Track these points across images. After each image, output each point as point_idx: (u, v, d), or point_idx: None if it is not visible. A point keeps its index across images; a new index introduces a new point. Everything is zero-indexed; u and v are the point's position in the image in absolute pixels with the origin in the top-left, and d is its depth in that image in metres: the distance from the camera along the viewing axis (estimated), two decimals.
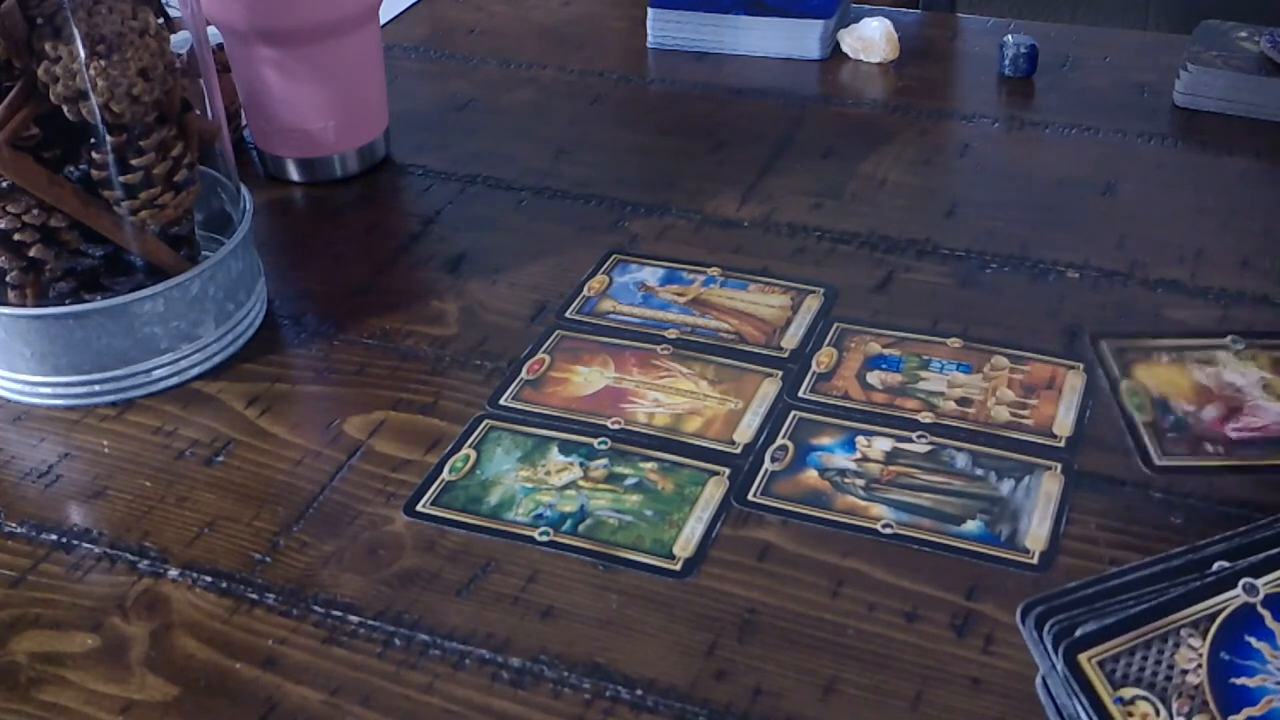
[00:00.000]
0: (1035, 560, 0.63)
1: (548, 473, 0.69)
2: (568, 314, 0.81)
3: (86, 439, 0.73)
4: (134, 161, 0.73)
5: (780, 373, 0.75)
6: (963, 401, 0.72)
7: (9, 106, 0.70)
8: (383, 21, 1.08)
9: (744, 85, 1.09)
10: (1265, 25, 1.05)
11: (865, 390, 0.74)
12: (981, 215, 0.90)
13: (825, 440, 0.70)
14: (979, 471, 0.68)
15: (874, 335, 0.78)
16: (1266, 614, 0.53)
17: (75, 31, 0.69)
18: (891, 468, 0.68)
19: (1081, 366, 0.74)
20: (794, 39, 1.12)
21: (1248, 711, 0.51)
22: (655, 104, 1.07)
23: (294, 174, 0.97)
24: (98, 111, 0.70)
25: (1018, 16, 1.48)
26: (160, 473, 0.71)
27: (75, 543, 0.67)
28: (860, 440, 0.70)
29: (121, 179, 0.73)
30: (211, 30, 0.92)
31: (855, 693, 0.57)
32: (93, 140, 0.72)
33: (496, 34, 1.21)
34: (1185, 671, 0.52)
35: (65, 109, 0.70)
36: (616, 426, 0.72)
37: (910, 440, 0.70)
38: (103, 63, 0.69)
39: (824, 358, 0.76)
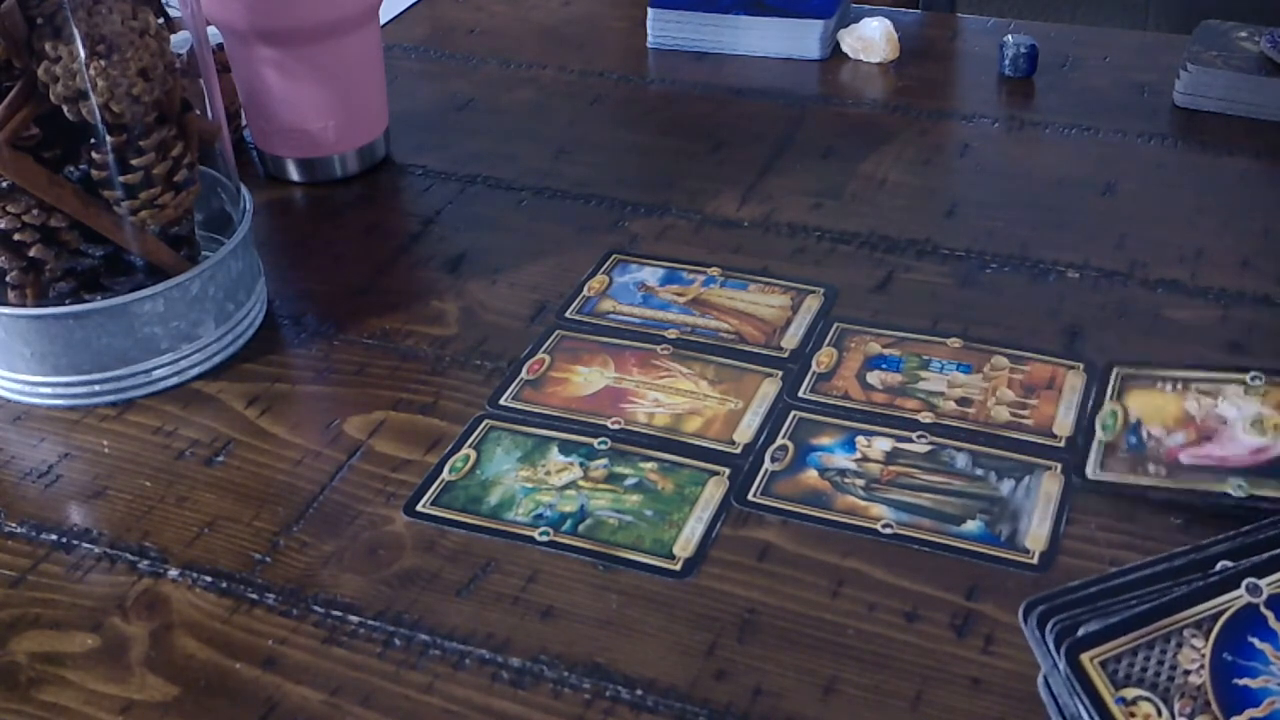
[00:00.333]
0: (1035, 560, 0.63)
1: (548, 473, 0.69)
2: (568, 314, 0.81)
3: (86, 439, 0.73)
4: (134, 161, 0.73)
5: (780, 373, 0.75)
6: (963, 401, 0.72)
7: (9, 106, 0.70)
8: (383, 21, 1.08)
9: (744, 85, 1.09)
10: (1265, 25, 1.05)
11: (865, 390, 0.74)
12: (981, 215, 0.90)
13: (825, 440, 0.70)
14: (979, 471, 0.68)
15: (874, 335, 0.78)
16: (1270, 615, 0.53)
17: (75, 31, 0.69)
18: (891, 468, 0.68)
19: (1081, 366, 0.74)
20: (794, 39, 1.12)
21: (1250, 713, 0.51)
22: (655, 104, 1.07)
23: (294, 174, 0.97)
24: (98, 111, 0.70)
25: (1018, 16, 1.47)
26: (160, 473, 0.71)
27: (75, 543, 0.67)
28: (860, 440, 0.70)
29: (121, 179, 0.73)
30: (211, 30, 0.92)
31: (855, 693, 0.57)
32: (93, 140, 0.72)
33: (496, 34, 1.21)
34: (1188, 672, 0.52)
35: (65, 109, 0.70)
36: (616, 426, 0.72)
37: (910, 440, 0.70)
38: (103, 63, 0.69)
39: (824, 358, 0.76)
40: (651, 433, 0.71)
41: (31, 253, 0.73)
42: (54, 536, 0.67)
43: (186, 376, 0.77)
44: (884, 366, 0.75)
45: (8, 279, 0.74)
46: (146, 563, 0.65)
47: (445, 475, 0.69)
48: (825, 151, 0.99)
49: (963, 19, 1.21)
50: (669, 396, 0.74)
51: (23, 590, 0.64)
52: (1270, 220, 0.88)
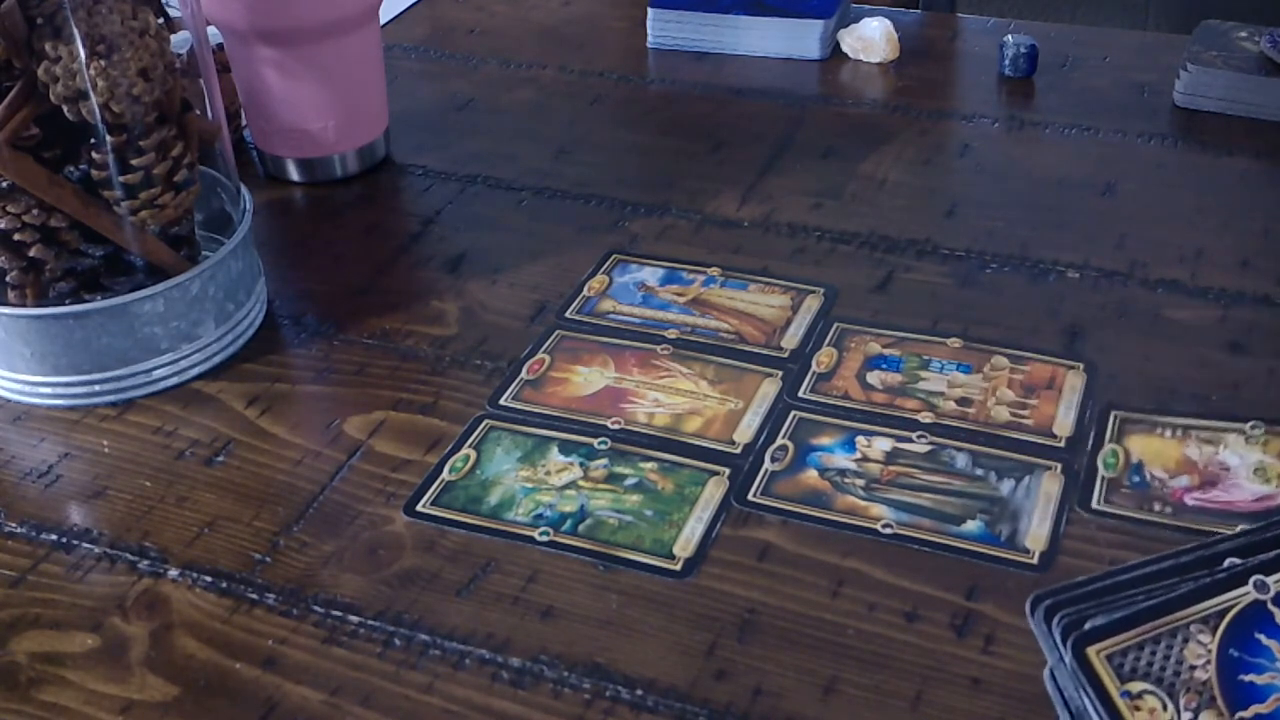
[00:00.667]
0: (1035, 560, 0.63)
1: (548, 473, 0.69)
2: (568, 314, 0.81)
3: (86, 439, 0.73)
4: (134, 161, 0.73)
5: (780, 373, 0.75)
6: (963, 401, 0.72)
7: (9, 106, 0.70)
8: (383, 21, 1.08)
9: (744, 85, 1.09)
10: (1265, 25, 1.05)
11: (865, 390, 0.74)
12: (981, 215, 0.90)
13: (825, 440, 0.70)
14: (979, 471, 0.68)
15: (874, 335, 0.78)
16: (1277, 611, 0.53)
17: (75, 31, 0.69)
18: (891, 468, 0.68)
19: (1081, 366, 0.74)
20: (794, 39, 1.12)
21: (1256, 708, 0.51)
22: (655, 104, 1.07)
23: (294, 174, 0.97)
24: (98, 111, 0.70)
25: (1018, 16, 1.48)
26: (160, 473, 0.71)
27: (75, 543, 0.67)
28: (860, 440, 0.70)
29: (121, 179, 0.73)
30: (211, 30, 0.92)
31: (855, 693, 0.57)
32: (93, 140, 0.72)
33: (496, 34, 1.21)
34: (1194, 667, 0.52)
35: (65, 109, 0.70)
36: (616, 426, 0.72)
37: (910, 440, 0.70)
38: (103, 63, 0.69)
39: (824, 358, 0.76)
40: (651, 433, 0.71)
41: (31, 253, 0.73)
42: (54, 536, 0.67)
43: (186, 376, 0.77)
44: (884, 366, 0.75)
45: (8, 279, 0.74)
46: (146, 563, 0.65)
47: (445, 475, 0.69)
48: (825, 151, 0.99)
49: (963, 19, 1.21)
50: (669, 396, 0.74)
51: (23, 590, 0.64)
52: (1270, 220, 0.88)
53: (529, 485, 0.68)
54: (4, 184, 0.72)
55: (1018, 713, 0.56)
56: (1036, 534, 0.64)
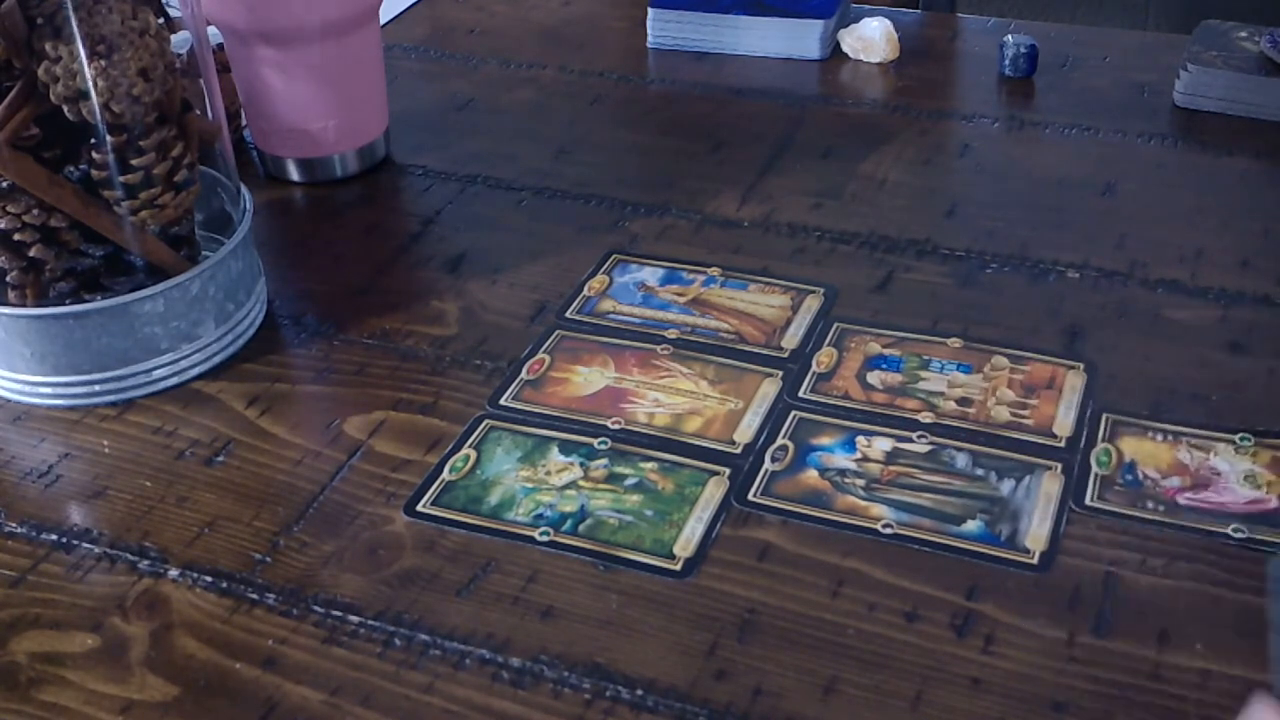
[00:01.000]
0: (1035, 560, 0.63)
1: (548, 473, 0.69)
2: (568, 314, 0.81)
3: (86, 439, 0.73)
4: (134, 161, 0.73)
5: (780, 373, 0.75)
6: (963, 401, 0.72)
7: (9, 106, 0.70)
8: (383, 21, 1.08)
9: (744, 85, 1.09)
10: (1265, 25, 1.05)
11: (865, 390, 0.74)
12: (981, 215, 0.90)
13: (825, 440, 0.70)
14: (979, 471, 0.68)
15: (874, 335, 0.78)
16: None
17: (75, 31, 0.69)
18: (891, 468, 0.68)
19: (1081, 366, 0.74)
20: (794, 39, 1.12)
21: None
22: (655, 104, 1.07)
23: (294, 174, 0.97)
24: (98, 111, 0.70)
25: (1018, 16, 1.48)
26: (160, 473, 0.71)
27: (75, 543, 0.67)
28: (860, 440, 0.70)
29: (121, 179, 0.73)
30: (211, 30, 0.92)
31: (855, 693, 0.57)
32: (93, 140, 0.72)
33: (496, 34, 1.21)
34: None
35: (65, 109, 0.70)
36: (616, 426, 0.72)
37: (910, 440, 0.70)
38: (103, 63, 0.69)
39: (824, 358, 0.76)
40: (651, 433, 0.71)
41: (31, 253, 0.73)
42: (54, 536, 0.67)
43: (186, 376, 0.77)
44: (884, 366, 0.75)
45: (8, 279, 0.74)
46: (146, 563, 0.65)
47: (445, 475, 0.69)
48: (825, 151, 0.99)
49: (963, 19, 1.21)
50: (669, 396, 0.74)
51: (23, 590, 0.64)
52: (1270, 220, 0.88)
53: (529, 485, 0.68)
54: (4, 184, 0.72)
55: (1018, 713, 0.56)
56: (1036, 534, 0.64)
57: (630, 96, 1.09)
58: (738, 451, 0.70)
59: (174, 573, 0.65)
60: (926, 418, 0.71)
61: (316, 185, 0.97)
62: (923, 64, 1.11)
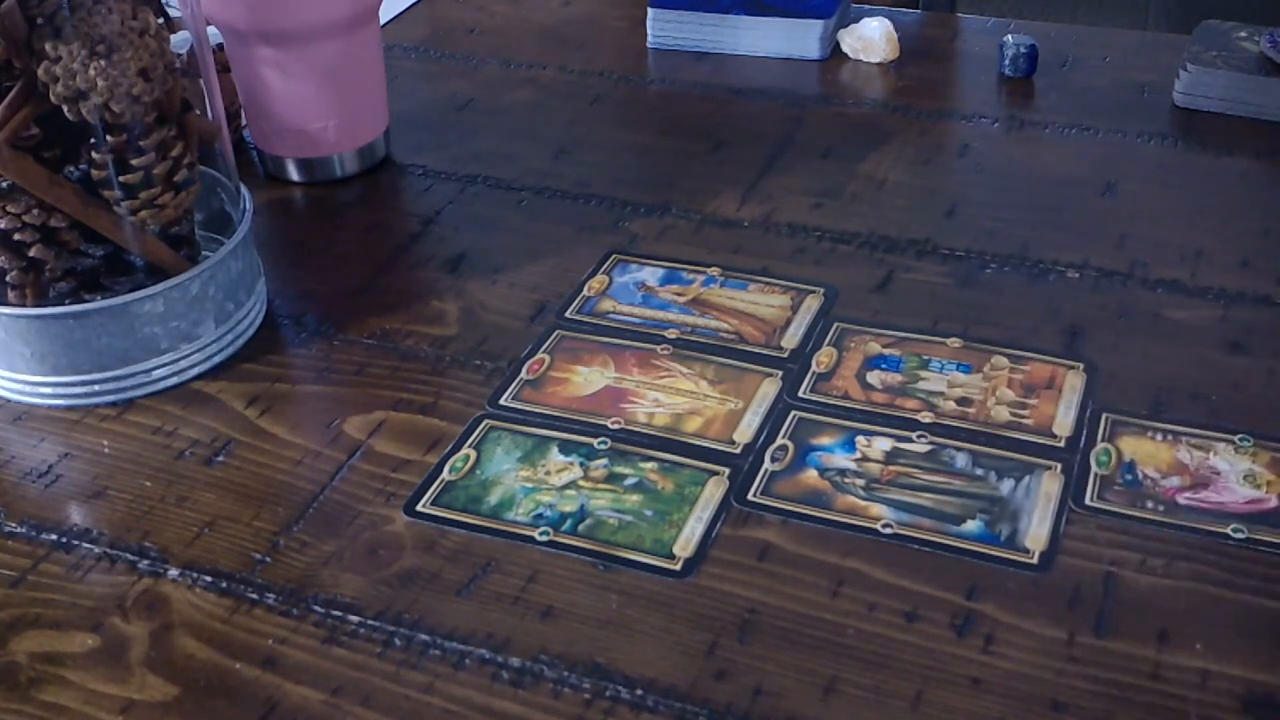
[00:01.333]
0: (1035, 560, 0.63)
1: (548, 473, 0.69)
2: (568, 314, 0.81)
3: (86, 439, 0.73)
4: (134, 161, 0.73)
5: (780, 373, 0.75)
6: (963, 401, 0.72)
7: (9, 106, 0.70)
8: (383, 21, 1.08)
9: (744, 85, 1.09)
10: (1265, 25, 1.05)
11: (865, 390, 0.74)
12: (981, 215, 0.90)
13: (825, 440, 0.70)
14: (979, 471, 0.68)
15: (874, 335, 0.78)
16: None
17: (75, 31, 0.69)
18: (891, 468, 0.68)
19: (1081, 366, 0.75)
20: (794, 39, 1.12)
21: None
22: (655, 104, 1.07)
23: (294, 174, 0.97)
24: (98, 111, 0.70)
25: (1018, 16, 1.48)
26: (160, 473, 0.71)
27: (75, 543, 0.67)
28: (860, 440, 0.70)
29: (121, 179, 0.73)
30: (211, 30, 0.92)
31: (855, 693, 0.57)
32: (93, 140, 0.72)
33: (496, 34, 1.21)
34: None
35: (65, 109, 0.70)
36: (616, 426, 0.72)
37: (910, 440, 0.70)
38: (103, 63, 0.69)
39: (824, 358, 0.76)
40: (651, 433, 0.71)
41: (31, 253, 0.73)
42: (54, 536, 0.67)
43: (186, 376, 0.77)
44: (884, 366, 0.75)
45: (8, 279, 0.74)
46: (146, 563, 0.65)
47: (445, 475, 0.69)
48: (825, 151, 0.99)
49: (963, 19, 1.21)
50: (669, 396, 0.74)
51: (23, 590, 0.64)
52: (1270, 220, 0.88)
53: (529, 485, 0.68)
54: (4, 184, 0.72)
55: (1018, 713, 0.56)
56: (1036, 534, 0.64)
57: (630, 96, 1.09)
58: (737, 451, 0.70)
59: (174, 573, 0.65)
60: (926, 418, 0.71)
61: (316, 185, 0.97)
62: (923, 64, 1.11)
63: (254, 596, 0.63)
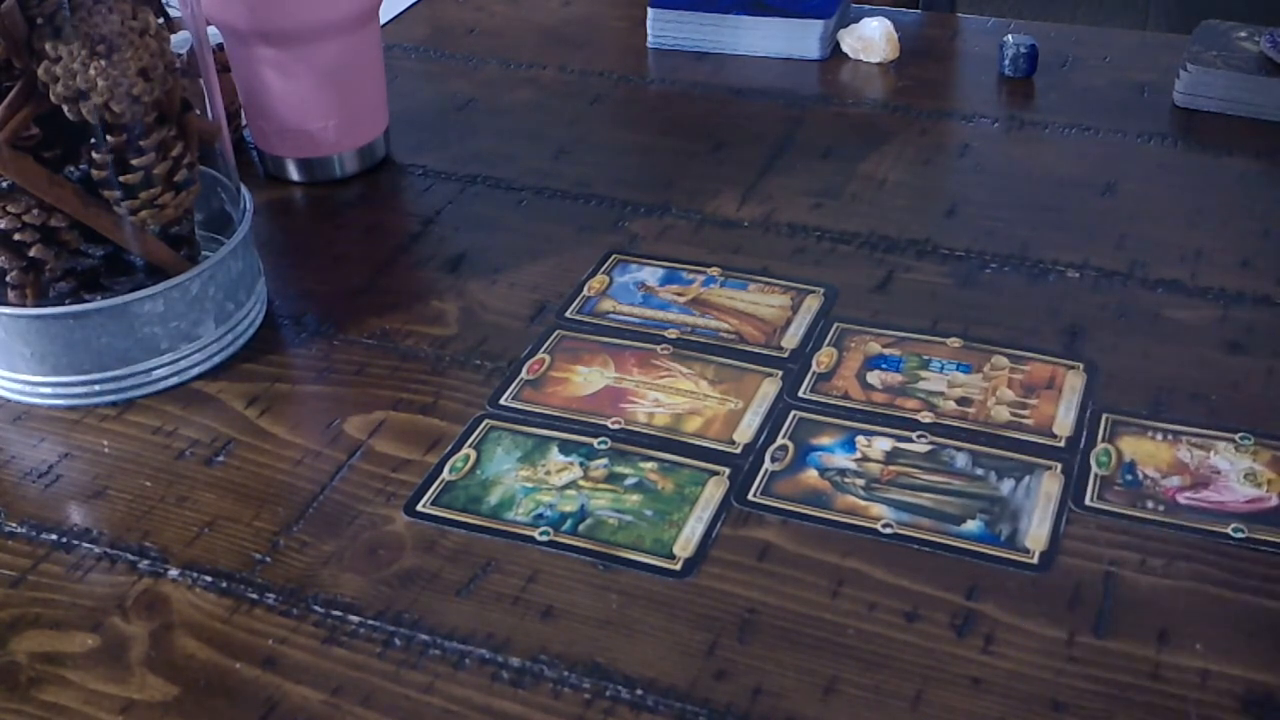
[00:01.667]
0: (1035, 560, 0.63)
1: (548, 472, 0.69)
2: (568, 314, 0.81)
3: (86, 439, 0.73)
4: (134, 161, 0.73)
5: (780, 373, 0.75)
6: (963, 401, 0.72)
7: (9, 106, 0.70)
8: (383, 21, 1.08)
9: (744, 85, 1.09)
10: (1265, 25, 1.05)
11: (865, 390, 0.74)
12: (981, 215, 0.90)
13: (825, 440, 0.70)
14: (979, 471, 0.68)
15: (874, 335, 0.78)
16: None
17: (75, 31, 0.69)
18: (891, 467, 0.68)
19: (1081, 366, 0.75)
20: (794, 39, 1.12)
21: None
22: (655, 104, 1.07)
23: (294, 174, 0.97)
24: (98, 111, 0.70)
25: (1018, 16, 1.48)
26: (160, 473, 0.71)
27: (75, 543, 0.67)
28: (860, 440, 0.70)
29: (121, 179, 0.73)
30: (211, 30, 0.92)
31: (855, 693, 0.57)
32: (93, 140, 0.72)
33: (496, 34, 1.21)
34: None
35: (65, 109, 0.70)
36: (616, 426, 0.72)
37: (910, 440, 0.70)
38: (103, 63, 0.69)
39: (824, 358, 0.76)
40: (651, 433, 0.71)
41: (31, 253, 0.73)
42: (54, 536, 0.67)
43: (186, 376, 0.77)
44: (884, 366, 0.75)
45: (8, 279, 0.74)
46: (146, 563, 0.65)
47: (445, 475, 0.69)
48: (825, 151, 0.99)
49: (963, 19, 1.21)
50: (669, 396, 0.74)
51: (23, 590, 0.64)
52: (1270, 220, 0.88)
53: (529, 485, 0.68)
54: (4, 184, 0.72)
55: (1018, 713, 0.56)
56: (1036, 534, 0.64)
57: (630, 96, 1.09)
58: (737, 451, 0.70)
59: (174, 573, 0.65)
60: (926, 418, 0.71)
61: (316, 185, 0.97)
62: (923, 64, 1.11)
63: (254, 596, 0.63)
